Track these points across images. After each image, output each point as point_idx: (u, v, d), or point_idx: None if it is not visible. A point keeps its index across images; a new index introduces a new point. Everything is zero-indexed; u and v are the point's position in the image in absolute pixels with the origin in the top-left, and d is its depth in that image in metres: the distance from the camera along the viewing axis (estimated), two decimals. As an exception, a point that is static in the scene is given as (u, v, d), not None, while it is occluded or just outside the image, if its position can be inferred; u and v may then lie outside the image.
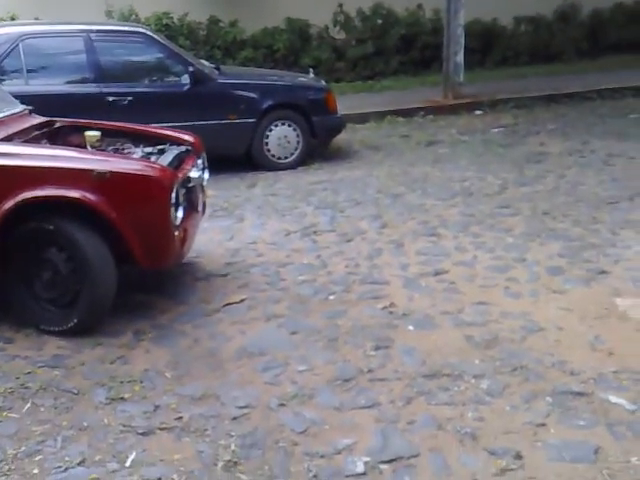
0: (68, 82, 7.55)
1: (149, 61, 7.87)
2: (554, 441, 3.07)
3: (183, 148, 4.90)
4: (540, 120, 10.23)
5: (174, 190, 4.12)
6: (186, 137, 5.06)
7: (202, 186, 4.94)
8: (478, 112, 11.01)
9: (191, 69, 7.67)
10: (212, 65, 8.57)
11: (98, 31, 7.65)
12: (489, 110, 11.04)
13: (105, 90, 7.46)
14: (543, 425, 3.18)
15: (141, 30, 8.02)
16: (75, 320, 4.14)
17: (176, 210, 4.16)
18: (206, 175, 5.08)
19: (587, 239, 5.43)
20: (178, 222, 4.20)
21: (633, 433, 3.10)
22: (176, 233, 4.19)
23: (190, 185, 4.56)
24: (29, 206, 4.03)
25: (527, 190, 6.81)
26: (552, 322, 4.12)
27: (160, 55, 7.80)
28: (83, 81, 7.55)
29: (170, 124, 6.23)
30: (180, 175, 4.36)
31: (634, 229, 5.60)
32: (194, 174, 4.62)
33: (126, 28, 8.24)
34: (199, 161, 4.95)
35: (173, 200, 4.11)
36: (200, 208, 4.84)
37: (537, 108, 11.08)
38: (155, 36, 7.97)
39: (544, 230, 5.67)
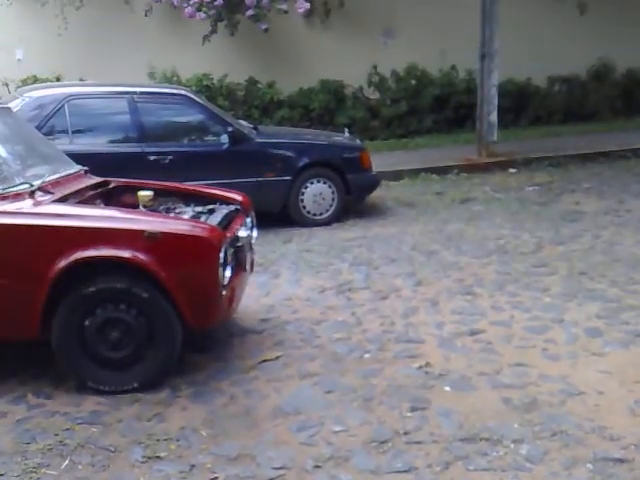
0: (111, 141, 7.76)
1: (189, 121, 8.08)
2: (596, 509, 3.01)
3: (232, 207, 4.97)
4: (575, 179, 10.22)
5: (223, 250, 4.15)
6: (235, 196, 5.15)
7: (250, 244, 4.98)
8: (512, 170, 11.02)
9: (230, 129, 7.86)
10: (250, 125, 8.75)
11: (141, 93, 7.87)
12: (523, 168, 11.05)
13: (147, 149, 7.64)
14: (584, 493, 3.12)
15: (182, 92, 8.23)
16: (135, 384, 4.18)
17: (224, 270, 4.19)
18: (255, 234, 5.14)
19: (625, 300, 5.36)
20: (226, 282, 4.22)
21: (676, 502, 3.03)
22: (224, 292, 4.22)
23: (239, 244, 4.60)
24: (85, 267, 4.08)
25: (563, 249, 6.77)
26: (591, 386, 4.05)
27: (200, 116, 8.00)
28: (126, 140, 7.74)
29: (209, 182, 6.38)
30: (229, 235, 4.41)
31: (673, 290, 5.53)
32: (242, 233, 4.66)
33: (167, 90, 8.47)
34: (248, 220, 5.00)
35: (222, 260, 4.14)
36: (248, 267, 4.87)
37: (572, 167, 11.09)
38: (195, 97, 8.18)
39: (581, 290, 5.61)
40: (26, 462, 3.51)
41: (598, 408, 3.81)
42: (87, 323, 4.13)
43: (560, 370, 4.27)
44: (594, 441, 3.50)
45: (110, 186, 5.13)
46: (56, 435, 3.75)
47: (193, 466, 3.44)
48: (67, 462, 3.51)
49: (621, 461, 3.32)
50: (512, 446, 3.48)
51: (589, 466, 3.30)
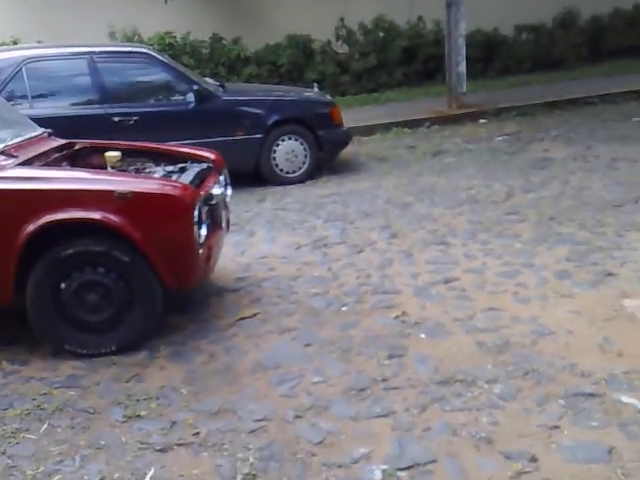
0: (73, 104, 7.63)
1: (153, 81, 7.95)
2: (568, 443, 3.10)
3: (204, 165, 4.90)
4: (543, 127, 10.30)
5: (197, 208, 4.11)
6: (207, 154, 5.07)
7: (225, 203, 4.94)
8: (482, 121, 11.08)
9: (195, 87, 7.76)
10: (217, 83, 8.62)
11: (101, 52, 7.72)
12: (493, 119, 11.12)
13: (110, 111, 7.54)
14: (557, 427, 3.21)
15: (144, 50, 8.10)
16: (113, 347, 4.19)
17: (200, 228, 4.16)
18: (229, 192, 5.10)
19: (593, 242, 5.47)
20: (202, 240, 4.19)
21: (646, 432, 3.12)
22: (200, 251, 4.18)
23: (213, 202, 4.55)
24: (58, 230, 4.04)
25: (533, 196, 6.86)
26: (562, 326, 4.15)
27: (164, 74, 7.87)
28: (88, 102, 7.63)
29: (177, 142, 6.26)
30: (202, 192, 4.35)
31: (640, 231, 5.64)
32: (216, 191, 4.62)
33: (129, 49, 8.34)
34: (221, 178, 4.95)
35: (196, 218, 4.10)
36: (224, 225, 4.83)
37: (540, 115, 11.17)
38: (158, 56, 8.05)
39: (551, 235, 5.71)
40: (4, 427, 3.53)
41: (568, 347, 3.91)
42: (63, 286, 4.09)
43: (531, 312, 4.37)
44: (565, 378, 3.60)
45: (76, 148, 5.02)
46: (34, 400, 3.77)
47: (174, 423, 3.49)
48: (46, 426, 3.53)
49: (592, 395, 3.43)
50: (486, 386, 3.58)
51: (561, 402, 3.40)
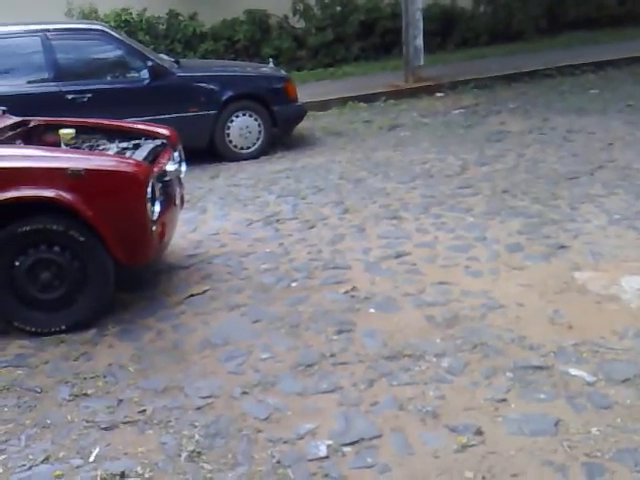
0: (27, 82, 7.56)
1: (107, 58, 7.86)
2: (514, 416, 3.10)
3: (158, 142, 4.88)
4: (501, 99, 10.32)
5: (150, 185, 4.09)
6: (161, 130, 5.06)
7: (179, 179, 4.93)
8: (439, 94, 11.06)
9: (150, 64, 7.71)
10: (171, 59, 8.58)
11: (55, 30, 7.64)
12: (450, 92, 11.12)
13: (64, 88, 7.46)
14: (504, 400, 3.21)
15: (98, 27, 8.01)
16: (63, 326, 4.15)
17: (153, 205, 4.14)
18: (184, 168, 5.07)
19: (547, 215, 5.48)
20: (156, 217, 4.18)
21: (593, 404, 3.14)
22: (154, 228, 4.17)
23: (167, 179, 4.54)
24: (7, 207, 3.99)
25: (487, 170, 6.86)
26: (512, 298, 4.16)
27: (118, 51, 7.80)
28: (42, 80, 7.55)
29: (131, 119, 6.19)
30: (156, 169, 4.34)
31: (593, 203, 5.66)
32: (170, 167, 4.59)
33: (83, 26, 8.25)
34: (175, 154, 4.93)
35: (149, 195, 4.08)
36: (178, 201, 4.81)
37: (498, 88, 11.19)
38: (112, 32, 7.97)
39: (504, 208, 5.72)
40: (-51, 408, 3.48)
41: (518, 320, 3.92)
42: (17, 263, 4.06)
43: (482, 286, 4.37)
44: (514, 351, 3.61)
45: (30, 125, 4.99)
46: (-20, 380, 3.72)
47: (121, 401, 3.45)
48: (-7, 405, 3.49)
49: (540, 368, 3.43)
50: (434, 360, 3.57)
51: (509, 374, 3.41)
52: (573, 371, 3.40)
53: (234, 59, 12.58)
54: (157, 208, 4.20)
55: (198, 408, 3.34)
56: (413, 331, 3.88)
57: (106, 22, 11.66)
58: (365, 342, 3.80)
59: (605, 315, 3.91)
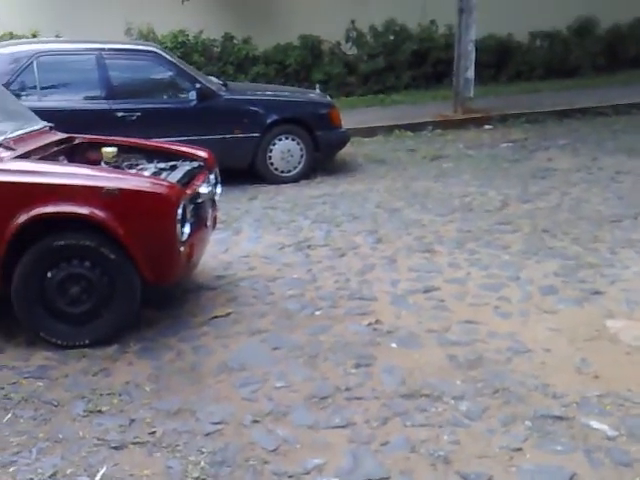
0: (79, 98, 7.75)
1: (158, 78, 8.03)
2: (529, 466, 2.99)
3: (195, 164, 4.95)
4: (551, 135, 10.16)
5: (180, 206, 4.14)
6: (199, 153, 5.12)
7: (213, 201, 4.98)
8: (487, 127, 10.96)
9: (198, 86, 7.85)
10: (220, 82, 8.70)
11: (110, 49, 7.82)
12: (499, 125, 11.00)
13: (114, 106, 7.64)
14: (519, 450, 3.10)
15: (151, 49, 8.17)
16: (87, 340, 4.20)
17: (183, 226, 4.19)
18: (218, 190, 5.13)
19: (585, 258, 5.34)
20: (185, 238, 4.22)
21: (611, 460, 3.01)
22: (182, 249, 4.21)
23: (199, 201, 4.58)
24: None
25: (529, 207, 6.73)
26: (539, 343, 4.04)
27: (169, 73, 7.96)
28: (94, 97, 7.74)
29: (177, 139, 6.38)
30: (188, 191, 4.39)
31: (634, 248, 5.50)
32: (204, 189, 4.64)
33: (136, 47, 8.43)
34: (211, 176, 4.99)
35: (179, 216, 4.13)
36: (210, 223, 4.85)
37: (549, 123, 11.03)
38: (164, 54, 8.12)
39: (542, 248, 5.59)
40: (-31, 415, 3.51)
41: (543, 366, 3.80)
42: (49, 275, 4.13)
43: (510, 327, 4.26)
44: (536, 399, 3.49)
45: (74, 142, 5.10)
46: (1, 389, 3.76)
47: (133, 420, 3.44)
48: (10, 415, 3.52)
49: (560, 418, 3.32)
50: (452, 402, 3.47)
51: (527, 423, 3.29)
52: (594, 424, 3.27)
53: (284, 83, 12.69)
54: (187, 229, 4.24)
55: (207, 434, 3.30)
56: (433, 370, 3.79)
57: (163, 43, 11.97)
58: (383, 378, 3.73)
59: (634, 367, 3.76)
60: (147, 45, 8.78)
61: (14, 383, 3.82)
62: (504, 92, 13.17)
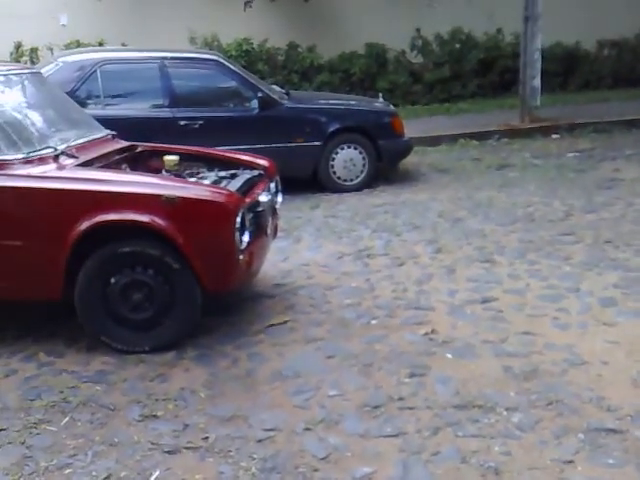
0: (142, 106, 7.88)
1: (220, 87, 8.12)
2: (580, 479, 2.95)
3: (256, 172, 4.98)
4: (618, 145, 9.94)
5: (240, 215, 4.17)
6: (260, 161, 5.15)
7: (274, 209, 5.00)
8: (555, 136, 10.79)
9: (260, 94, 7.91)
10: (282, 90, 8.77)
11: (173, 58, 7.95)
12: (566, 134, 10.81)
13: (177, 115, 7.74)
14: (571, 462, 3.06)
15: (214, 57, 8.26)
16: (147, 347, 4.28)
17: (242, 234, 4.21)
18: (279, 198, 5.16)
19: (648, 270, 5.22)
20: (244, 246, 4.24)
21: (665, 475, 2.95)
22: (241, 257, 4.24)
23: (259, 209, 4.59)
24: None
25: (593, 217, 6.61)
26: (597, 356, 3.97)
27: (231, 81, 8.04)
28: (157, 106, 7.87)
29: (239, 147, 6.43)
30: (248, 200, 4.41)
31: (700, 261, 5.36)
32: (264, 198, 4.66)
33: (199, 55, 8.53)
34: (271, 185, 5.01)
35: (238, 225, 4.16)
36: (269, 231, 4.84)
37: (616, 133, 10.78)
38: (227, 63, 8.20)
39: (603, 259, 5.48)
40: (28, 418, 3.63)
41: (600, 378, 3.74)
42: (113, 281, 4.21)
43: (567, 339, 4.19)
44: (590, 411, 3.44)
45: (136, 150, 5.19)
46: (61, 392, 3.86)
47: (187, 426, 3.50)
48: (67, 419, 3.61)
49: (614, 431, 3.25)
50: (505, 414, 3.44)
51: (580, 436, 3.24)
52: (649, 438, 3.21)
53: (349, 92, 12.72)
54: (246, 238, 4.26)
55: (259, 440, 3.34)
56: (488, 381, 3.76)
57: (227, 51, 12.10)
58: (436, 388, 3.71)
59: (693, 382, 3.68)
60: (209, 54, 8.88)
61: (73, 387, 3.91)
62: (571, 101, 12.94)
